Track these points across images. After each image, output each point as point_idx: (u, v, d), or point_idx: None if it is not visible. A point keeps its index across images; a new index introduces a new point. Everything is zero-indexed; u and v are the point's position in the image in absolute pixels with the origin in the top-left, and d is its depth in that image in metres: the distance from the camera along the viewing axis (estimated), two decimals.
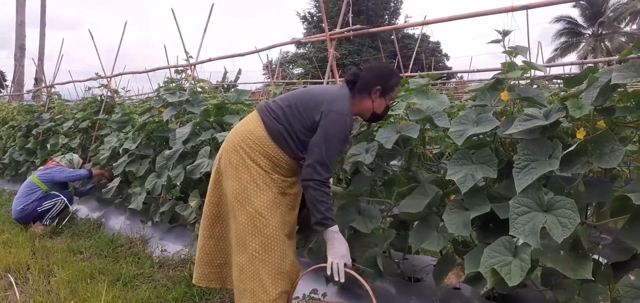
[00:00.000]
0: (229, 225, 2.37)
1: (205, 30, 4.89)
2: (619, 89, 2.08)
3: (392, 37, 10.65)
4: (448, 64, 28.86)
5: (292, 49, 29.30)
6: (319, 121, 2.20)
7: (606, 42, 30.12)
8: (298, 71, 25.85)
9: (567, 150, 1.89)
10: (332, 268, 2.16)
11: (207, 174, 3.81)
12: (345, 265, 2.17)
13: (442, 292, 2.59)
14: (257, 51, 4.22)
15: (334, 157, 2.25)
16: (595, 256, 2.26)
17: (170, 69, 5.98)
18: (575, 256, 1.90)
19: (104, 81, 6.62)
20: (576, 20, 32.10)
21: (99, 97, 6.61)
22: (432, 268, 2.58)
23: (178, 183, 3.94)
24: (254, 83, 17.08)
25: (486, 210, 2.10)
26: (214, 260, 2.45)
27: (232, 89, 4.00)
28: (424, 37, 28.21)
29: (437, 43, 29.60)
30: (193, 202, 3.74)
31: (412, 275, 2.80)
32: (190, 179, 3.81)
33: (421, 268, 2.89)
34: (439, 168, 2.90)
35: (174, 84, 4.78)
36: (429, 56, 23.49)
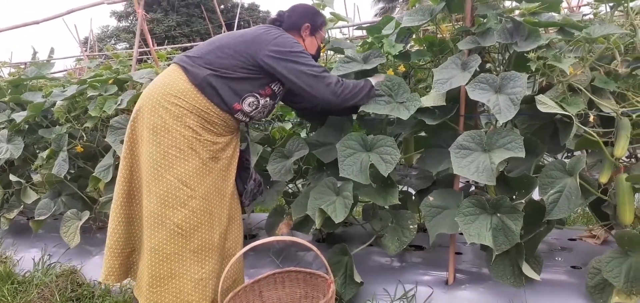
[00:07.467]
0: (141, 202, 1.97)
1: None
2: (414, 36, 2.33)
3: (221, 6, 10.43)
4: None
5: (113, 23, 26.90)
6: (268, 61, 1.91)
7: None
8: (122, 46, 23.85)
9: None
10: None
11: (9, 162, 3.34)
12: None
13: (279, 244, 2.66)
14: (58, 16, 3.69)
15: (317, 65, 1.98)
16: (407, 189, 2.54)
17: None
18: (385, 188, 2.10)
19: None
20: None
21: None
22: None
23: None
24: (65, 58, 15.27)
25: (305, 152, 2.20)
26: (124, 249, 2.04)
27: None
28: (254, 7, 28.29)
29: (268, 13, 29.90)
30: None
31: (248, 233, 2.83)
32: None
33: (256, 225, 2.93)
34: (266, 126, 2.94)
35: None
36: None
